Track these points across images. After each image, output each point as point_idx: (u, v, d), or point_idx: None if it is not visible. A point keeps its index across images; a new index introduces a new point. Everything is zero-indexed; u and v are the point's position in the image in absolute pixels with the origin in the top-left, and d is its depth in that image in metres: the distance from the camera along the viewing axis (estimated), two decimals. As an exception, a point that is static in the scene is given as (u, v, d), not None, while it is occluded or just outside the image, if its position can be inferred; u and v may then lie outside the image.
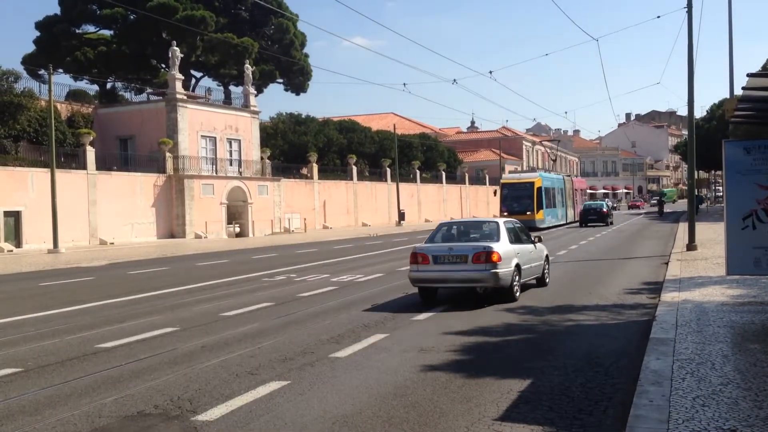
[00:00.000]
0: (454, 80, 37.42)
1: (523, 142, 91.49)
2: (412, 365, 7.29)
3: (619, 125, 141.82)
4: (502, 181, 45.17)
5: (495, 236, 12.02)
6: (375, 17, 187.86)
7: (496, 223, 12.75)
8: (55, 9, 49.76)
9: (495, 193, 45.52)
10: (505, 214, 38.90)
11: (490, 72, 37.15)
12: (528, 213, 40.01)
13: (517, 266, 11.87)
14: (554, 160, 64.25)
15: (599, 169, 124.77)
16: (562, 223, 46.78)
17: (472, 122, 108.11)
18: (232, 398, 6.20)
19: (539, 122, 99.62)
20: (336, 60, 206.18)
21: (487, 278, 11.30)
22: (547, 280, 13.95)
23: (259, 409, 5.89)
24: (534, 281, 13.49)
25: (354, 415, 5.68)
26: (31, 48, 49.99)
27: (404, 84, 55.40)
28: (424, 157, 67.34)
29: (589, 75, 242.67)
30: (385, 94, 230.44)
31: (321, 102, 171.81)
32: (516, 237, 12.61)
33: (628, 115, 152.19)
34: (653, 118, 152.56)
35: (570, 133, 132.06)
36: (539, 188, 41.84)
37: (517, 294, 11.92)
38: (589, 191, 69.59)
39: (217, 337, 9.36)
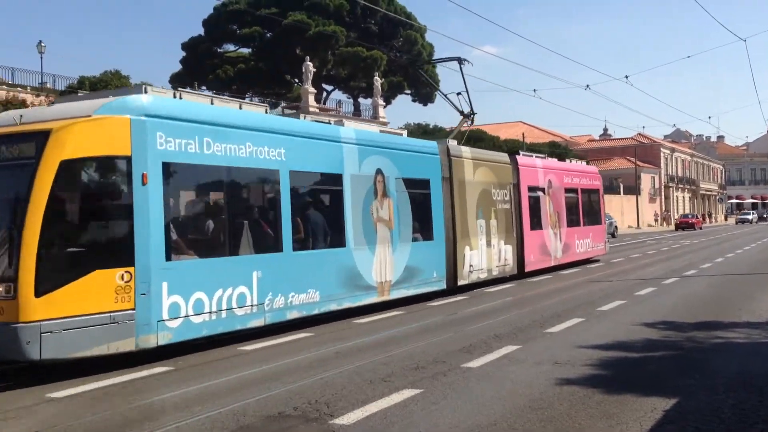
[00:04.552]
0: (587, 86, 36.30)
1: (661, 149, 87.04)
2: (547, 378, 7.11)
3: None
4: None
5: None
6: (505, 25, 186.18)
7: None
8: (199, 30, 53.09)
9: None
10: None
11: (626, 76, 35.48)
12: None
13: None
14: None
15: (746, 178, 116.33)
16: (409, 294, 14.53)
17: (605, 129, 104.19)
18: (367, 404, 6.31)
19: (679, 128, 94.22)
20: (465, 70, 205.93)
21: None
22: None
23: (394, 416, 5.95)
24: None
25: (488, 427, 5.62)
26: (177, 67, 53.62)
27: (534, 90, 54.49)
28: (553, 165, 65.64)
29: (735, 77, 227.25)
30: (513, 102, 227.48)
31: (449, 112, 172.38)
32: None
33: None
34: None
35: (713, 139, 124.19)
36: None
37: None
38: (735, 200, 63.66)
39: (350, 343, 9.58)
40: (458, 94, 18.89)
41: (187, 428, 5.78)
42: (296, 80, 52.78)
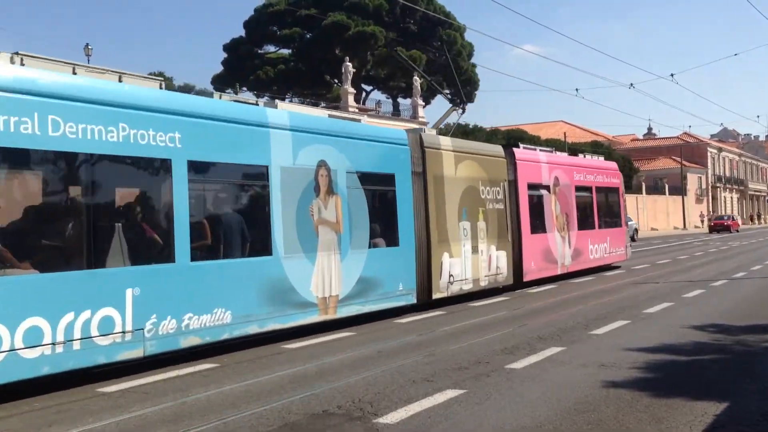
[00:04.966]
0: (631, 84, 35.74)
1: (708, 148, 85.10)
2: (593, 381, 7.01)
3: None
4: None
5: None
6: (546, 24, 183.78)
7: None
8: (240, 32, 53.74)
9: None
10: None
11: (672, 74, 34.87)
12: None
13: None
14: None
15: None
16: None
17: (649, 128, 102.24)
18: (411, 403, 6.30)
19: (726, 127, 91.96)
20: (504, 69, 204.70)
21: None
22: None
23: (437, 416, 5.94)
24: None
25: (534, 429, 5.57)
26: (219, 69, 54.36)
27: (576, 89, 53.77)
28: (595, 165, 64.73)
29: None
30: (554, 101, 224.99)
31: (488, 112, 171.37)
32: None
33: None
34: None
35: (762, 138, 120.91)
36: None
37: None
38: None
39: (393, 343, 9.59)
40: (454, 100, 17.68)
41: (234, 424, 5.86)
42: (336, 81, 53.06)
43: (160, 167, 8.46)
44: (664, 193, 72.83)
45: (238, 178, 9.85)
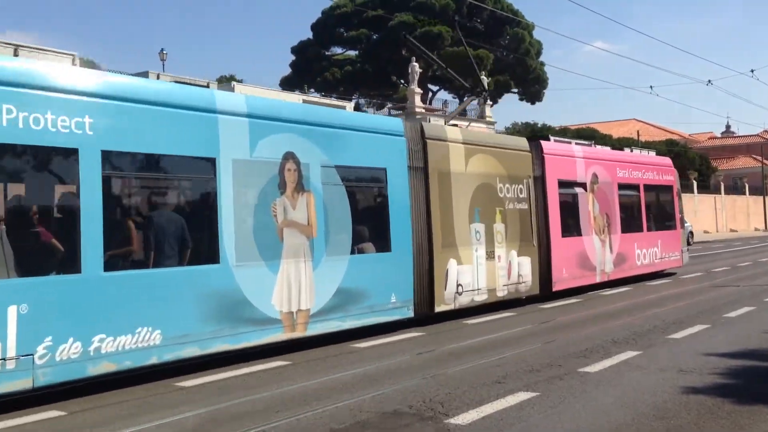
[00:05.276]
0: (709, 81, 34.44)
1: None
2: (672, 386, 6.79)
3: None
4: None
5: None
6: (619, 20, 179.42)
7: None
8: (308, 34, 54.50)
9: None
10: None
11: (752, 71, 33.51)
12: None
13: None
14: None
15: None
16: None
17: (728, 126, 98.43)
18: (482, 405, 6.25)
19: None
20: (574, 68, 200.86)
21: None
22: None
23: (510, 418, 5.87)
24: None
25: (610, 434, 5.44)
26: (287, 71, 55.26)
27: (651, 87, 52.29)
28: (670, 165, 62.74)
29: None
30: (626, 99, 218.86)
31: (557, 110, 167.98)
32: None
33: None
34: None
35: None
36: None
37: None
38: None
39: (463, 344, 9.55)
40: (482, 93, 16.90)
41: (307, 421, 5.94)
42: (402, 81, 53.18)
43: (63, 158, 7.07)
44: (744, 193, 69.92)
45: (176, 173, 8.35)
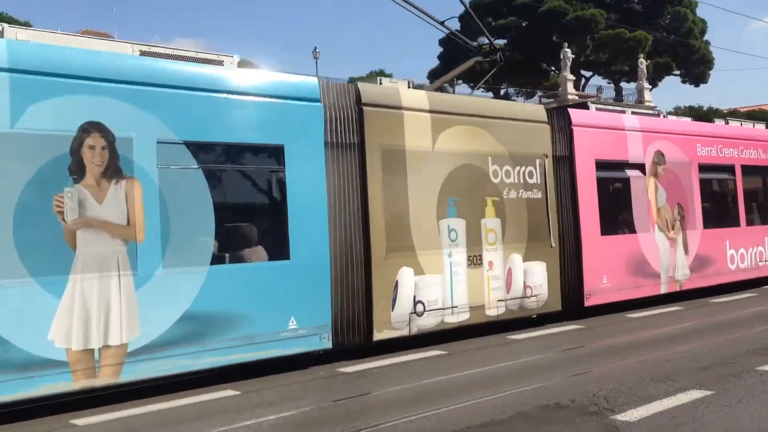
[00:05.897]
0: None
1: None
2: None
3: None
4: None
5: None
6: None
7: None
8: (455, 26, 54.44)
9: None
10: None
11: None
12: None
13: None
14: None
15: None
16: None
17: None
18: (650, 402, 5.97)
19: None
20: (740, 46, 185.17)
21: None
22: None
23: (682, 416, 5.57)
24: None
25: (798, 439, 5.01)
26: (435, 63, 55.51)
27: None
28: None
29: None
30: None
31: (725, 93, 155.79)
32: None
33: None
34: None
35: None
36: None
37: None
38: None
39: (623, 338, 9.20)
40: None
41: (471, 409, 5.97)
42: (553, 68, 51.74)
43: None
44: None
45: None
